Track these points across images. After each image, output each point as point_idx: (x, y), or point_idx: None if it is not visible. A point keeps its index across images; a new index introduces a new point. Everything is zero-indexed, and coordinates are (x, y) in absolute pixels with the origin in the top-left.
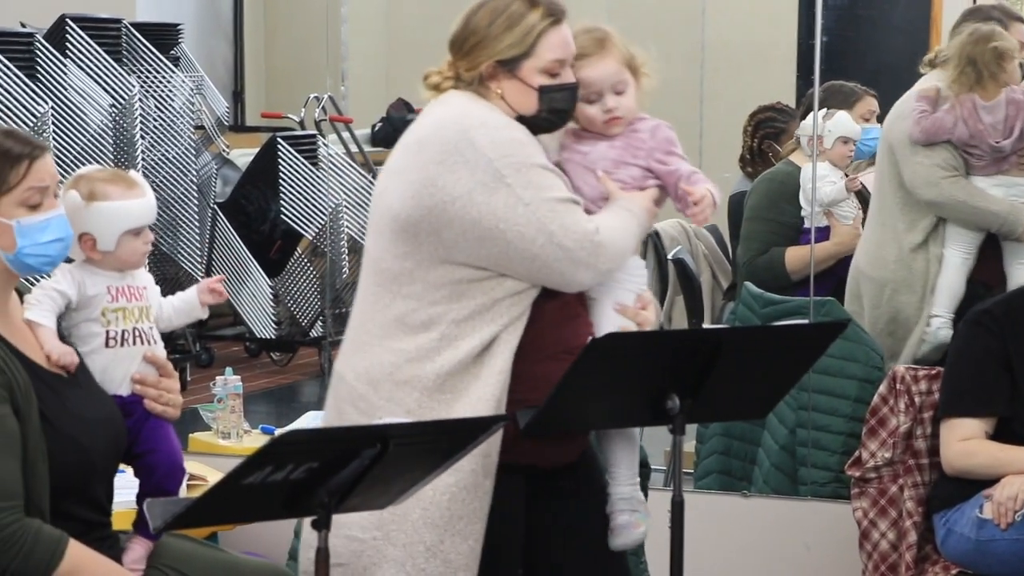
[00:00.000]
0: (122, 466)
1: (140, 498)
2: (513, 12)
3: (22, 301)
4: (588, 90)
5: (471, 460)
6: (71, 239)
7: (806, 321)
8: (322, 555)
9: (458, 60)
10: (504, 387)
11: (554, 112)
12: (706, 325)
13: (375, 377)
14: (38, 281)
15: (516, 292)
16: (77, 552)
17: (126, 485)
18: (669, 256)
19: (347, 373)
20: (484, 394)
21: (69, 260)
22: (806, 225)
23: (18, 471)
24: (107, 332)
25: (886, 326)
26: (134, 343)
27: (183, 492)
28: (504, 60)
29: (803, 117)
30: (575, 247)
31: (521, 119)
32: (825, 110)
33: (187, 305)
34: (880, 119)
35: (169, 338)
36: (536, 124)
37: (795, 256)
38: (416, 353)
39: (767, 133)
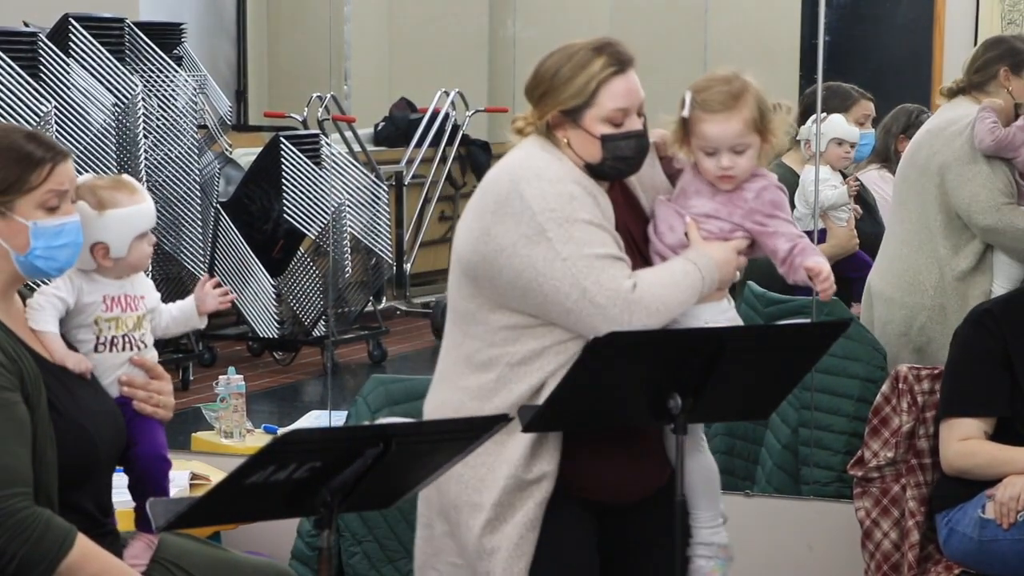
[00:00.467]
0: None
1: (132, 491)
2: (577, 61)
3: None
4: (707, 144)
5: (496, 494)
6: (80, 247)
7: (809, 320)
8: (324, 555)
9: (532, 109)
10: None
11: (619, 160)
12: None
13: (444, 413)
14: (38, 286)
15: (562, 341)
16: (84, 545)
17: (121, 484)
18: None
19: (428, 406)
20: (528, 437)
21: None
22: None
23: (28, 458)
24: (97, 338)
25: (911, 355)
26: (123, 348)
27: (185, 492)
28: (567, 110)
29: (800, 117)
30: (607, 304)
31: (590, 167)
32: (824, 114)
33: (184, 315)
34: (876, 123)
35: (172, 337)
36: (603, 172)
37: None
38: (477, 392)
39: None
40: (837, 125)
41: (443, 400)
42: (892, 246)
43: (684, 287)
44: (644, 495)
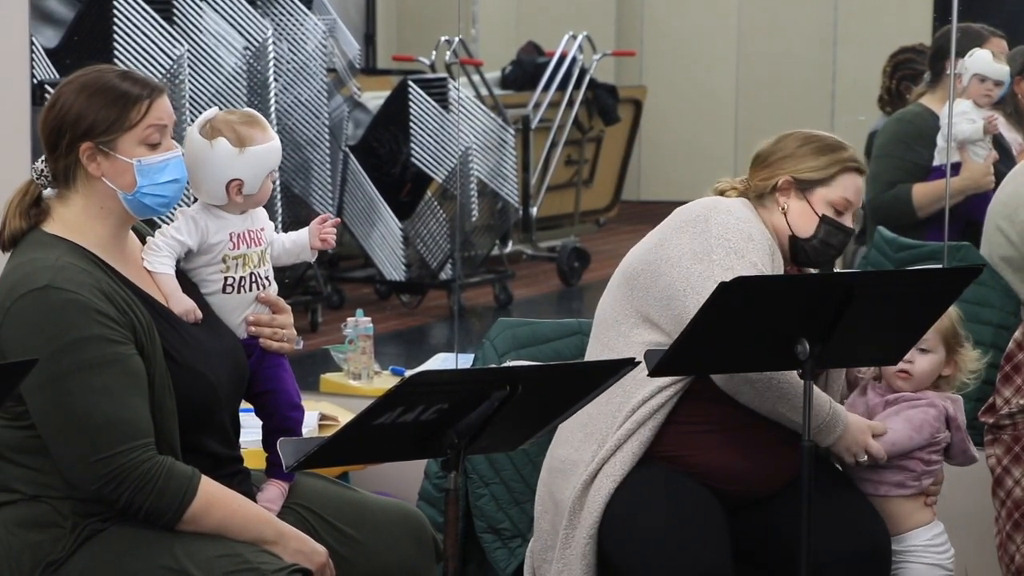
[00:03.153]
0: (247, 404)
1: (265, 440)
2: (827, 144)
3: (143, 243)
4: None
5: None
6: (186, 180)
7: (940, 266)
8: (452, 496)
9: (756, 171)
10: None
11: (825, 245)
12: (838, 269)
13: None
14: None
15: None
16: (209, 488)
17: (251, 424)
18: None
19: None
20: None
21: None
22: (936, 163)
23: (147, 410)
24: (225, 279)
25: None
26: (250, 289)
27: (314, 432)
28: (802, 179)
29: (931, 60)
30: None
31: (792, 241)
32: (977, 49)
33: (297, 247)
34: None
35: (300, 280)
36: (802, 251)
37: (922, 192)
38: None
39: (905, 74)
40: (982, 61)
41: None
42: None
43: (798, 397)
44: (773, 487)
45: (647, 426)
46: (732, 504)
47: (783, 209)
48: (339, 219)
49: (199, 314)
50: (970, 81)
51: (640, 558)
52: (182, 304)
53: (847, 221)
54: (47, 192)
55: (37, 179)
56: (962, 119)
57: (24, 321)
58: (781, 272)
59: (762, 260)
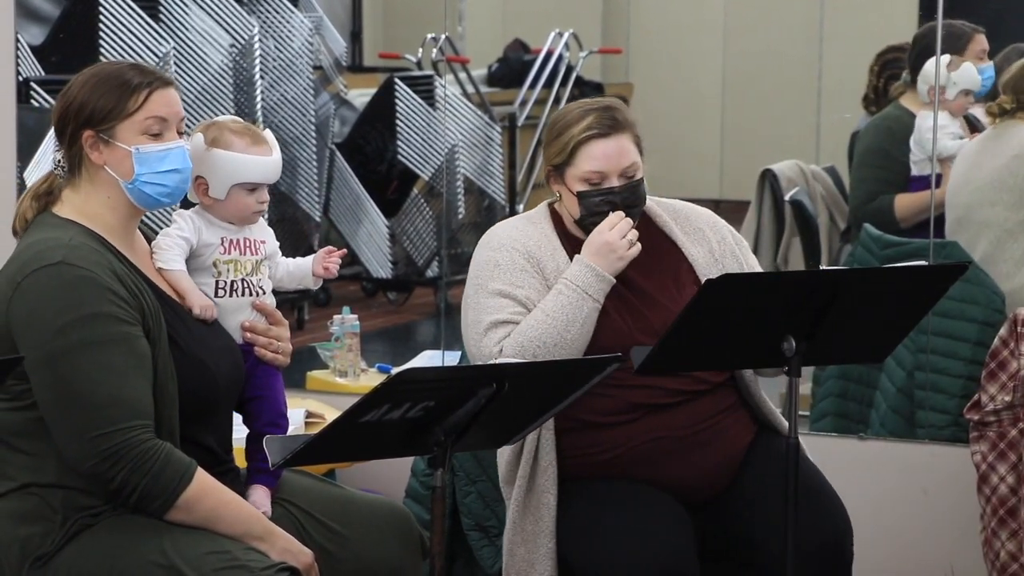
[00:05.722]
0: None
1: (248, 448)
2: (567, 120)
3: (149, 245)
4: None
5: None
6: (189, 172)
7: (926, 263)
8: (438, 494)
9: None
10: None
11: (597, 216)
12: (824, 267)
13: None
14: (164, 225)
15: None
16: (202, 480)
17: (238, 423)
18: (786, 198)
19: None
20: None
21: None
22: (914, 172)
23: (150, 392)
24: (217, 282)
25: None
26: (243, 294)
27: (301, 430)
28: (554, 165)
29: (912, 59)
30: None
31: (578, 223)
32: (949, 57)
33: (300, 272)
34: (991, 56)
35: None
36: (586, 229)
37: (905, 203)
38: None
39: (893, 73)
40: (969, 76)
41: None
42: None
43: (560, 313)
44: (721, 483)
45: (552, 466)
46: (691, 506)
47: (559, 197)
48: (345, 251)
49: (215, 312)
50: (956, 96)
51: (600, 559)
52: (200, 300)
53: (612, 183)
54: (60, 182)
55: (55, 169)
56: (943, 133)
57: (36, 295)
58: (552, 276)
59: (508, 280)
